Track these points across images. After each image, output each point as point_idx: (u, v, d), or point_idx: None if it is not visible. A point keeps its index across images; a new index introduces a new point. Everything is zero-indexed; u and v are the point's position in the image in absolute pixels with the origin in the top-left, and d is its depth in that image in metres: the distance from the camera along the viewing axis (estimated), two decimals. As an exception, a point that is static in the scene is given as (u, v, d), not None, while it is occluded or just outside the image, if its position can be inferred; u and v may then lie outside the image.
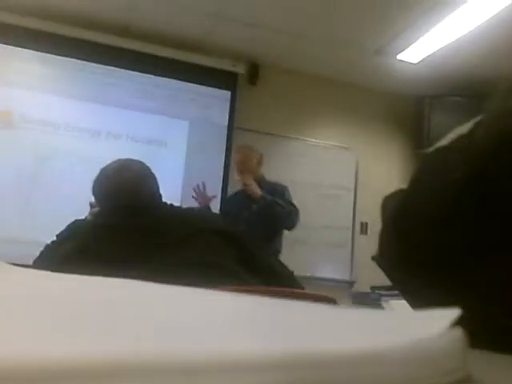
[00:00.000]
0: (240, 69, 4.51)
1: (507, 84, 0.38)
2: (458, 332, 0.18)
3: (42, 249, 1.44)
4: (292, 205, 3.14)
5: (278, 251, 3.21)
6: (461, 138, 0.39)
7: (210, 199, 3.31)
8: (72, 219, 1.49)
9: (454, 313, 0.19)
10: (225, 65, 4.45)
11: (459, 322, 0.19)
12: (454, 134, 0.42)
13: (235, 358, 0.13)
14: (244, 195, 3.24)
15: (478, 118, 0.41)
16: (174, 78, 4.35)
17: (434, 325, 0.18)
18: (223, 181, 4.31)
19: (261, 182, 3.24)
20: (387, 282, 0.58)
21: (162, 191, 1.54)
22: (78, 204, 2.11)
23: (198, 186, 3.32)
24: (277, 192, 3.16)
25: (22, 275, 0.38)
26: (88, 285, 0.34)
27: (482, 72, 4.20)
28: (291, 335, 0.17)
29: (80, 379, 0.12)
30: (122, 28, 4.17)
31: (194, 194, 3.33)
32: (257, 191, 3.12)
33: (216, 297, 0.31)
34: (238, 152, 3.42)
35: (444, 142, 0.41)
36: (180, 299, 0.30)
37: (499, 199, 0.32)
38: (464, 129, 0.41)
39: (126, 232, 1.37)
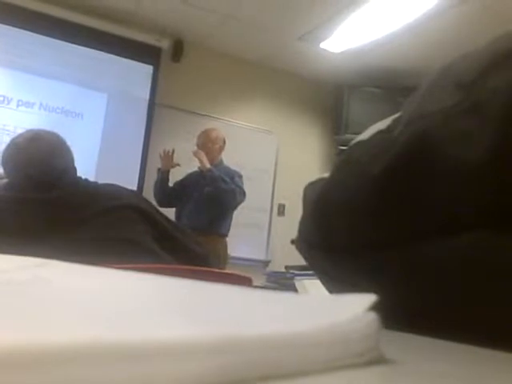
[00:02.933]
0: (164, 44, 4.40)
1: (424, 84, 0.40)
2: (373, 315, 0.20)
3: None
4: (238, 186, 3.25)
5: (224, 234, 3.31)
6: (379, 133, 0.42)
7: (173, 165, 3.41)
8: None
9: (370, 297, 0.21)
10: (149, 39, 4.32)
11: (374, 305, 0.21)
12: (373, 129, 0.44)
13: (158, 343, 0.13)
14: (197, 176, 3.31)
15: (395, 115, 0.43)
16: (96, 49, 4.16)
17: (350, 309, 0.20)
18: (142, 157, 4.22)
19: (218, 166, 3.35)
20: (301, 262, 0.60)
21: (76, 165, 1.49)
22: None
23: (168, 152, 3.42)
24: (229, 175, 3.27)
25: None
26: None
27: (400, 66, 4.41)
28: (214, 319, 0.18)
29: None
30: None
31: (162, 154, 3.41)
32: (206, 164, 3.25)
33: (131, 277, 0.31)
34: (201, 136, 3.44)
35: (364, 135, 0.43)
36: (93, 279, 0.30)
37: (411, 191, 0.35)
38: (382, 125, 0.43)
39: (37, 205, 1.31)
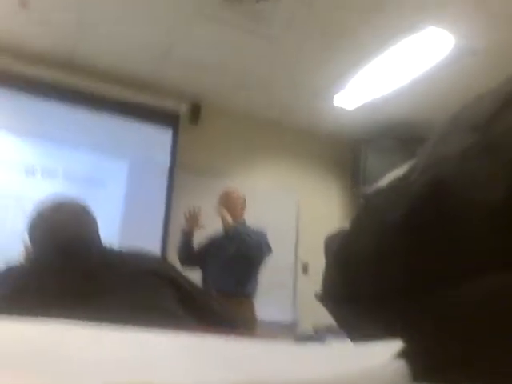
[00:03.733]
0: (182, 108, 4.54)
1: (438, 129, 0.40)
2: (400, 363, 0.19)
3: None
4: (264, 240, 3.24)
5: (251, 296, 3.25)
6: (397, 180, 0.42)
7: (198, 226, 3.39)
8: (5, 261, 1.42)
9: (395, 345, 0.20)
10: (167, 104, 4.47)
11: (401, 355, 0.20)
12: (390, 176, 0.44)
13: None
14: (221, 238, 3.30)
15: (411, 163, 0.43)
16: (116, 115, 4.30)
17: (376, 357, 0.19)
18: (164, 221, 4.25)
19: (243, 225, 3.33)
20: (330, 322, 0.59)
21: (100, 232, 1.50)
22: (11, 247, 2.01)
23: (194, 210, 3.39)
24: (252, 234, 3.25)
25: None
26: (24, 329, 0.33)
27: (414, 117, 4.46)
28: (247, 369, 0.17)
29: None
30: (64, 62, 4.11)
31: (187, 215, 3.38)
32: (229, 220, 3.25)
33: (162, 337, 0.31)
34: (222, 196, 3.44)
35: (382, 183, 0.44)
36: (125, 339, 0.30)
37: (432, 240, 0.34)
38: (399, 172, 0.43)
39: (63, 275, 1.31)
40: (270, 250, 3.29)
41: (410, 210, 0.35)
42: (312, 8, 3.28)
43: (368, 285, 0.39)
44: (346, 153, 5.10)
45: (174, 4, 3.36)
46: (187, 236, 3.41)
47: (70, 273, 1.32)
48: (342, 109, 4.57)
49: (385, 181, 0.44)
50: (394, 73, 3.93)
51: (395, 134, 4.68)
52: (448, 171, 0.34)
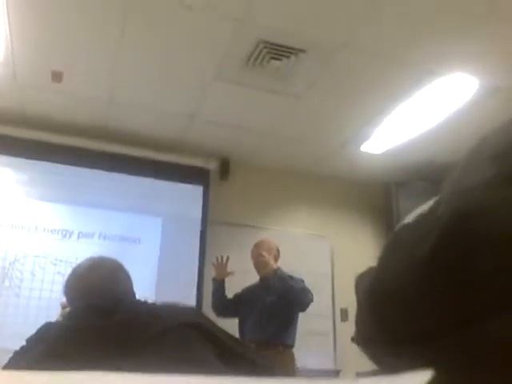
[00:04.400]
0: (212, 165, 4.63)
1: (461, 161, 0.40)
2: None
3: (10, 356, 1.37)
4: (308, 290, 3.18)
5: (290, 345, 3.18)
6: (423, 215, 0.41)
7: (227, 274, 3.39)
8: (43, 322, 1.44)
9: (426, 374, 0.20)
10: (197, 162, 4.57)
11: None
12: (416, 211, 0.44)
13: None
14: (258, 288, 3.28)
15: (437, 197, 0.43)
16: (148, 177, 4.42)
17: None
18: (198, 275, 4.26)
19: (277, 274, 3.26)
20: (373, 367, 0.57)
21: (136, 288, 1.51)
22: (51, 306, 2.04)
23: (222, 258, 3.41)
24: (291, 281, 3.20)
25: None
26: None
27: (442, 158, 4.42)
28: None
29: None
30: (96, 131, 4.29)
31: (215, 263, 3.41)
32: (273, 265, 3.20)
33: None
34: (255, 248, 3.42)
35: (408, 219, 0.43)
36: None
37: (463, 272, 0.34)
38: (425, 207, 0.43)
39: (99, 333, 1.32)
40: (312, 295, 3.22)
41: (437, 244, 0.35)
42: (332, 63, 3.35)
43: (400, 325, 0.38)
44: (378, 197, 5.07)
45: (196, 70, 3.49)
46: (218, 284, 3.41)
47: (103, 329, 1.33)
48: (370, 154, 4.57)
49: (411, 216, 0.43)
50: (419, 117, 3.94)
51: (425, 176, 4.63)
52: (473, 202, 0.34)
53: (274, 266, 3.22)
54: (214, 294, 3.41)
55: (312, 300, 3.21)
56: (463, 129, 3.93)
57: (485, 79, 3.45)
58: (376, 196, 5.07)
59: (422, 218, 0.40)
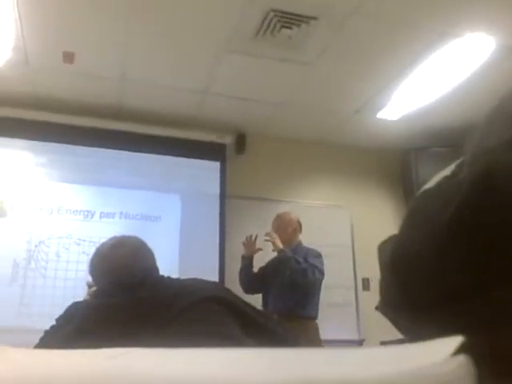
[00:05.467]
0: (227, 140, 4.61)
1: (481, 123, 0.39)
2: (463, 358, 0.18)
3: (41, 336, 1.41)
4: (312, 265, 3.20)
5: (311, 316, 3.23)
6: (445, 179, 0.41)
7: (256, 250, 3.46)
8: (70, 302, 1.47)
9: (456, 340, 0.19)
10: (213, 137, 4.56)
11: (464, 351, 0.20)
12: (438, 176, 0.43)
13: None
14: (277, 262, 3.32)
15: (459, 161, 0.42)
16: (164, 154, 4.44)
17: (439, 353, 0.18)
18: (220, 249, 4.29)
19: (297, 247, 3.36)
20: (398, 336, 0.57)
21: (159, 264, 1.53)
22: (76, 286, 2.08)
23: (251, 237, 3.48)
24: (307, 256, 3.27)
25: (20, 354, 0.37)
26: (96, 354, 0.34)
27: (462, 122, 4.33)
28: (311, 367, 0.17)
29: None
30: (111, 111, 4.30)
31: (245, 241, 3.48)
32: (279, 245, 3.27)
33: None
34: (276, 220, 3.51)
35: (430, 184, 0.43)
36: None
37: (487, 232, 0.33)
38: (447, 171, 0.42)
39: (126, 309, 1.35)
40: (319, 274, 3.24)
41: (461, 206, 0.34)
42: (344, 30, 3.29)
43: (425, 289, 0.38)
44: (396, 164, 5.01)
45: (207, 43, 3.45)
46: (246, 261, 3.45)
47: (129, 305, 1.35)
48: (386, 120, 4.51)
49: (432, 181, 0.43)
50: (435, 81, 3.85)
51: (444, 142, 4.55)
52: (495, 162, 0.33)
53: (280, 247, 3.26)
54: (242, 270, 3.46)
55: (316, 280, 3.22)
56: (481, 91, 3.84)
57: (501, 39, 3.35)
58: (394, 163, 5.02)
59: (444, 182, 0.40)
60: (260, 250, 3.45)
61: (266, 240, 3.37)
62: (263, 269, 3.44)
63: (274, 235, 3.33)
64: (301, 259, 3.21)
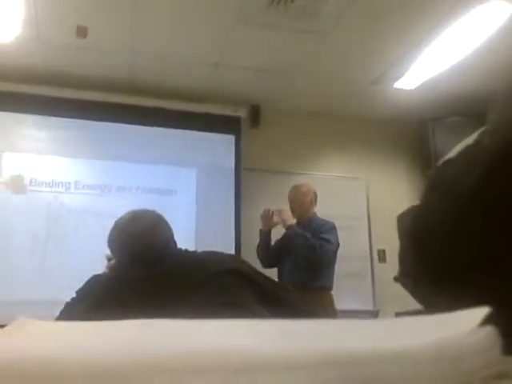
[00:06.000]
0: (242, 113, 4.58)
1: (503, 90, 0.38)
2: (489, 329, 0.18)
3: (61, 308, 1.43)
4: (321, 239, 3.19)
5: (326, 287, 3.24)
6: (468, 148, 0.40)
7: (274, 224, 3.43)
8: (89, 275, 1.49)
9: (482, 311, 0.19)
10: (227, 111, 4.53)
11: (489, 321, 0.19)
12: (460, 146, 0.42)
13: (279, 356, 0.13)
14: (287, 239, 3.33)
15: (481, 129, 0.41)
16: (179, 128, 4.43)
17: (464, 324, 0.18)
18: (235, 222, 4.32)
19: (312, 219, 3.36)
20: (413, 307, 0.57)
21: (176, 238, 1.55)
22: (95, 259, 2.12)
23: (268, 210, 3.46)
24: (320, 228, 3.27)
25: (42, 326, 0.38)
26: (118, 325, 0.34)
27: (478, 92, 4.24)
28: (328, 339, 0.17)
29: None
30: (123, 85, 4.28)
31: (262, 215, 3.47)
32: (287, 221, 3.29)
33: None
34: (291, 191, 3.50)
35: (452, 154, 0.42)
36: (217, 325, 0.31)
37: (511, 201, 0.33)
38: (469, 140, 0.41)
39: (144, 282, 1.36)
40: (331, 246, 3.23)
41: (485, 176, 0.34)
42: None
43: (445, 260, 0.37)
44: (413, 134, 4.95)
45: (218, 14, 3.40)
46: (264, 235, 3.45)
47: (148, 278, 1.37)
48: (403, 90, 4.43)
49: (454, 151, 0.42)
50: (453, 48, 3.76)
51: (462, 111, 4.47)
52: None
53: (288, 222, 3.29)
54: (260, 244, 3.47)
55: (324, 252, 3.19)
56: (497, 59, 3.74)
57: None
58: (411, 134, 4.95)
59: (467, 151, 0.39)
60: (278, 223, 3.45)
61: (267, 218, 3.39)
62: (277, 242, 3.45)
63: (282, 212, 3.34)
64: (308, 234, 3.20)
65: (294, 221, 3.33)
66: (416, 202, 0.47)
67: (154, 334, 0.29)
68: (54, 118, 4.18)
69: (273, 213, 3.45)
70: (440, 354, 0.16)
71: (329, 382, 0.13)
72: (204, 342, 0.18)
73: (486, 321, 0.19)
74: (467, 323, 0.18)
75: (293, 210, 3.42)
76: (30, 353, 0.27)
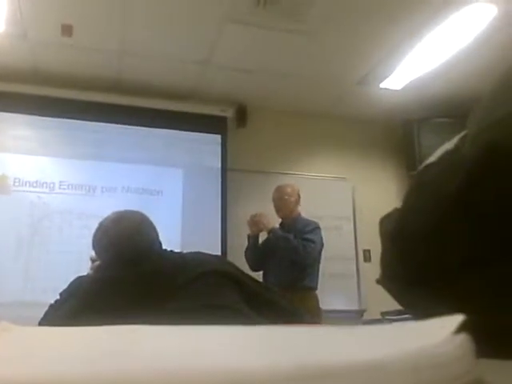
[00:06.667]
0: (228, 113, 4.58)
1: (485, 95, 0.39)
2: (463, 337, 0.18)
3: (45, 309, 1.42)
4: (304, 240, 3.21)
5: (311, 287, 3.26)
6: (448, 153, 0.40)
7: (261, 229, 3.40)
8: (74, 276, 1.48)
9: (456, 319, 0.19)
10: (213, 110, 4.52)
11: (464, 329, 0.20)
12: (440, 150, 0.43)
13: (248, 374, 0.13)
14: (269, 242, 3.34)
15: (462, 134, 0.42)
16: (165, 128, 4.41)
17: (438, 332, 0.18)
18: (221, 222, 4.31)
19: (296, 219, 3.38)
20: (398, 307, 0.58)
21: (162, 238, 1.54)
22: (79, 260, 2.10)
23: (255, 215, 3.41)
24: (305, 228, 3.29)
25: (24, 332, 0.38)
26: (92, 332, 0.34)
27: (464, 93, 4.28)
28: (298, 351, 0.17)
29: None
30: (110, 84, 4.26)
31: (249, 220, 3.42)
32: (267, 226, 3.31)
33: (223, 329, 0.31)
34: (276, 191, 3.50)
35: (433, 158, 0.42)
36: (186, 333, 0.30)
37: (492, 207, 0.33)
38: (450, 144, 0.42)
39: (129, 283, 1.36)
40: (316, 246, 3.24)
41: (465, 181, 0.34)
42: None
43: (426, 263, 0.38)
44: (399, 135, 4.99)
45: (206, 14, 3.40)
46: (252, 240, 3.44)
47: (133, 279, 1.36)
48: (389, 90, 4.46)
49: (435, 155, 0.42)
50: (439, 49, 3.80)
51: (448, 112, 4.51)
52: (502, 133, 0.32)
53: (269, 227, 3.30)
54: (248, 250, 3.46)
55: (307, 253, 3.21)
56: (483, 60, 3.79)
57: (504, 6, 3.29)
58: (397, 134, 4.99)
59: (447, 155, 0.39)
60: (265, 228, 3.43)
61: (254, 223, 3.37)
62: (263, 244, 3.45)
63: (261, 217, 3.34)
64: (291, 236, 3.22)
65: (275, 224, 3.34)
66: (399, 205, 0.47)
67: (136, 342, 0.29)
68: (38, 118, 4.14)
69: (260, 217, 3.41)
70: (416, 363, 0.17)
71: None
72: (181, 357, 0.18)
73: (461, 328, 0.19)
74: (442, 331, 0.19)
75: (277, 210, 3.43)
76: (8, 361, 0.27)
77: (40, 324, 1.38)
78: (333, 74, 4.24)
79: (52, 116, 4.16)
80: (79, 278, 1.47)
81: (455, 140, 0.41)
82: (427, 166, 0.42)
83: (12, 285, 3.72)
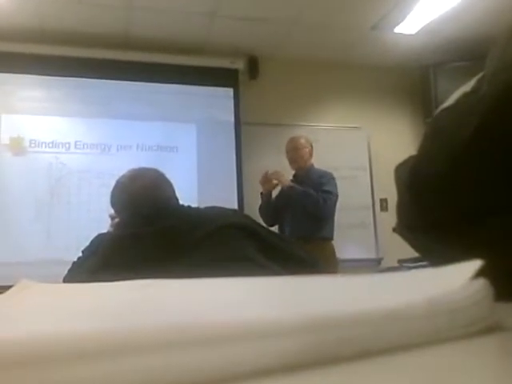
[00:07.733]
0: (239, 65, 4.50)
1: (502, 37, 0.37)
2: (481, 282, 0.18)
3: (69, 267, 1.46)
4: (324, 192, 3.22)
5: (327, 238, 3.29)
6: (465, 95, 0.39)
7: (273, 186, 3.43)
8: (94, 234, 1.51)
9: (474, 265, 0.19)
10: (224, 63, 4.45)
11: (482, 275, 0.19)
12: (457, 93, 0.41)
13: (242, 324, 0.13)
14: (288, 197, 3.34)
15: (479, 76, 0.40)
16: (177, 83, 4.36)
17: (456, 278, 0.18)
18: (237, 177, 4.32)
19: (310, 170, 3.39)
20: (415, 255, 0.58)
21: (178, 195, 1.55)
22: (99, 218, 2.13)
23: (266, 173, 3.44)
24: (320, 180, 3.30)
25: (43, 290, 0.39)
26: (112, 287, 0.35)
27: (481, 34, 4.13)
28: (313, 302, 0.17)
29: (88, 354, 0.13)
30: (119, 41, 4.19)
31: (261, 179, 3.45)
32: (285, 182, 3.31)
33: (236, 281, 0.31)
34: (289, 143, 3.49)
35: (449, 101, 0.41)
36: (200, 286, 0.31)
37: (508, 150, 0.32)
38: (467, 87, 0.40)
39: (148, 239, 1.38)
40: (332, 199, 3.25)
41: (482, 124, 0.33)
42: None
43: (442, 209, 0.37)
44: (415, 81, 4.87)
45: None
46: (265, 198, 3.45)
47: (151, 235, 1.38)
48: (404, 35, 4.33)
49: (452, 98, 0.41)
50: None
51: (465, 55, 4.37)
52: None
53: (286, 183, 3.30)
54: (262, 207, 3.47)
55: (329, 206, 3.24)
56: (501, 0, 3.63)
57: None
58: (413, 81, 4.87)
59: (464, 98, 0.38)
60: (277, 184, 3.44)
61: (267, 181, 3.38)
62: (277, 197, 3.46)
63: (278, 173, 3.35)
64: (310, 190, 3.21)
65: (289, 181, 3.34)
66: (415, 152, 0.47)
67: (151, 296, 0.30)
68: (47, 77, 4.12)
69: (272, 175, 3.42)
70: (434, 309, 0.16)
71: (315, 347, 0.13)
72: (192, 309, 0.18)
73: (479, 273, 0.19)
74: (460, 277, 0.18)
75: (291, 162, 3.43)
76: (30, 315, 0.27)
77: (64, 280, 1.42)
78: (345, 20, 4.11)
79: (61, 75, 4.13)
80: (100, 235, 1.50)
81: (472, 82, 0.40)
82: (443, 110, 0.41)
83: (35, 243, 3.81)
